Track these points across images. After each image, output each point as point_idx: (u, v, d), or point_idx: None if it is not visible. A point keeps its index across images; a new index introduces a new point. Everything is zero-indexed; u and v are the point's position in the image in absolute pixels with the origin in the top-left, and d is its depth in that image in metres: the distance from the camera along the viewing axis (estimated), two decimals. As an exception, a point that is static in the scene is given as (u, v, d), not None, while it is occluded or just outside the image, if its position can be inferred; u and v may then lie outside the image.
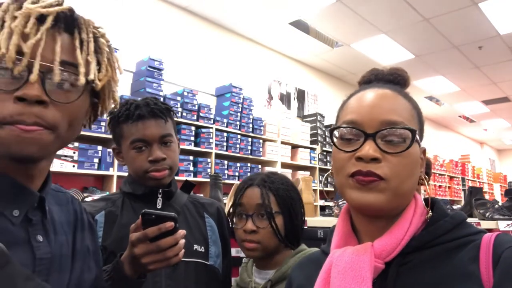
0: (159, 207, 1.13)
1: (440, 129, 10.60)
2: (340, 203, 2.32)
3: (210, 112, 4.32)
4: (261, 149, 4.82)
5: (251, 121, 4.76)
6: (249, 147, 4.66)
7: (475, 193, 2.57)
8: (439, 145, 9.95)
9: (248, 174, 4.55)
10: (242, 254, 1.56)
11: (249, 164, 4.65)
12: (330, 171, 0.72)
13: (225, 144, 4.41)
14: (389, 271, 0.61)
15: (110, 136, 1.21)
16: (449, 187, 8.68)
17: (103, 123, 3.36)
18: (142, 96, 1.22)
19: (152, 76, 3.85)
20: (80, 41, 0.62)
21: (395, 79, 0.73)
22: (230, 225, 1.13)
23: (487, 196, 8.83)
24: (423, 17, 4.89)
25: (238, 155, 4.54)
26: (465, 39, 5.51)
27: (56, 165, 3.10)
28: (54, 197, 0.72)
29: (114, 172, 3.45)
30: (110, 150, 3.38)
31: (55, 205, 0.71)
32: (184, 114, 4.07)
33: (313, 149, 5.56)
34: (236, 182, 3.88)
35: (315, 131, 5.66)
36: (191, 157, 4.09)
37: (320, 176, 5.48)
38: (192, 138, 4.10)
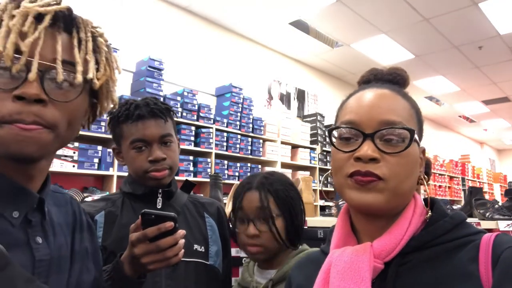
0: (159, 207, 1.13)
1: (440, 129, 10.60)
2: (340, 203, 2.32)
3: (210, 112, 4.32)
4: (261, 149, 4.82)
5: (251, 121, 4.76)
6: (249, 147, 4.66)
7: (475, 193, 2.58)
8: (439, 145, 9.95)
9: (248, 174, 4.57)
10: (242, 254, 1.56)
11: (249, 164, 4.65)
12: (330, 171, 0.72)
13: (225, 144, 4.41)
14: (388, 271, 0.61)
15: (110, 136, 1.21)
16: (449, 187, 8.68)
17: (103, 123, 3.36)
18: (142, 96, 1.21)
19: (152, 76, 3.85)
20: (78, 40, 0.62)
21: (394, 79, 0.73)
22: (231, 227, 1.13)
23: (487, 196, 8.84)
24: (423, 17, 4.89)
25: (238, 155, 4.54)
26: (465, 39, 5.51)
27: (56, 165, 3.11)
28: (52, 198, 0.71)
29: (114, 172, 3.45)
30: (110, 150, 3.38)
31: (54, 206, 0.71)
32: (184, 114, 4.07)
33: (313, 149, 5.56)
34: (236, 182, 3.88)
35: (315, 131, 5.67)
36: (191, 157, 4.09)
37: (320, 176, 5.48)
38: (192, 138, 4.10)
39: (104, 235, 1.07)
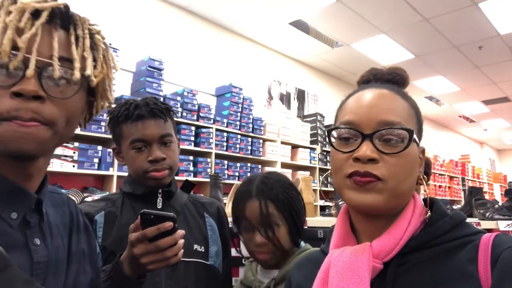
0: (159, 207, 1.13)
1: (440, 129, 10.60)
2: (340, 203, 2.32)
3: (210, 112, 4.32)
4: (261, 149, 4.82)
5: (251, 121, 4.76)
6: (249, 147, 4.66)
7: (475, 193, 2.57)
8: (439, 145, 9.95)
9: (248, 174, 4.57)
10: (242, 254, 1.56)
11: (249, 164, 4.65)
12: (329, 171, 0.72)
13: (225, 144, 4.41)
14: (387, 271, 0.61)
15: (110, 136, 1.21)
16: (449, 187, 8.68)
17: (103, 123, 3.36)
18: (142, 96, 1.21)
19: (152, 76, 3.85)
20: (75, 37, 0.61)
21: (394, 79, 0.73)
22: (233, 230, 1.12)
23: (487, 196, 8.84)
24: (423, 17, 4.89)
25: (238, 155, 4.54)
26: (465, 39, 5.51)
27: (56, 165, 3.11)
28: (50, 198, 0.71)
29: (114, 172, 3.45)
30: (110, 150, 3.38)
31: (51, 207, 0.70)
32: (184, 114, 4.07)
33: (313, 149, 5.56)
34: (236, 182, 3.88)
35: (315, 131, 5.67)
36: (191, 157, 4.09)
37: (320, 176, 5.48)
38: (192, 138, 4.10)
39: (104, 235, 1.07)
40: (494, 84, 7.39)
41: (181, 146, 3.57)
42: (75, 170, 3.22)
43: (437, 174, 8.28)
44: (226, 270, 1.24)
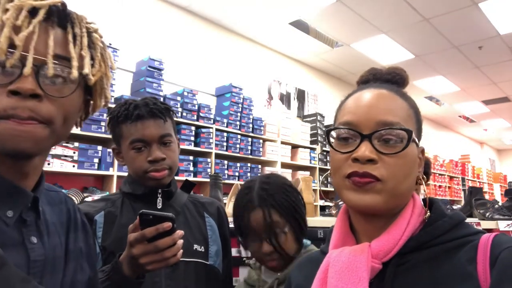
0: (159, 207, 1.13)
1: (440, 129, 10.60)
2: (339, 203, 2.32)
3: (210, 112, 4.32)
4: (261, 149, 4.82)
5: (251, 121, 4.76)
6: (249, 147, 4.66)
7: (475, 193, 2.57)
8: (439, 145, 9.94)
9: (248, 174, 4.57)
10: (242, 254, 1.56)
11: (249, 164, 4.65)
12: (329, 171, 0.72)
13: (225, 144, 4.41)
14: (386, 272, 0.61)
15: (110, 136, 1.21)
16: (449, 187, 8.68)
17: (103, 123, 3.36)
18: (142, 96, 1.21)
19: (152, 76, 3.85)
20: (73, 35, 0.61)
21: (393, 79, 0.73)
22: (238, 237, 1.11)
23: (487, 196, 8.83)
24: (423, 17, 4.89)
25: (238, 155, 4.54)
26: (465, 39, 5.51)
27: (56, 165, 3.11)
28: (46, 196, 0.70)
29: (114, 172, 3.45)
30: (110, 150, 3.38)
31: (48, 205, 0.70)
32: (184, 114, 4.07)
33: (313, 149, 5.56)
34: (236, 182, 3.88)
35: (315, 131, 5.67)
36: (191, 157, 4.09)
37: (320, 176, 5.48)
38: (192, 138, 4.10)
39: (103, 235, 1.07)
40: (494, 84, 7.39)
41: (181, 146, 3.56)
42: (75, 170, 3.22)
43: (437, 174, 8.28)
44: (226, 270, 1.24)
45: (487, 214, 2.29)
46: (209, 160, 4.21)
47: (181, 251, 0.83)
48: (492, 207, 2.33)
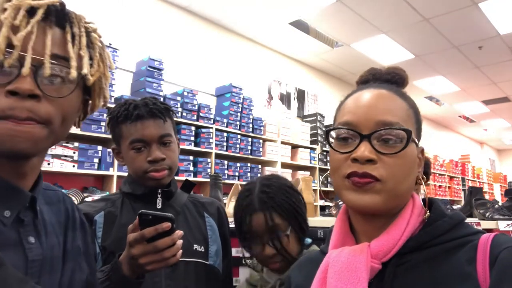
0: (159, 207, 1.13)
1: (440, 129, 10.60)
2: (339, 203, 2.32)
3: (210, 112, 4.32)
4: (261, 149, 4.82)
5: (251, 121, 4.76)
6: (249, 147, 4.66)
7: (475, 193, 2.57)
8: (439, 145, 9.94)
9: (248, 174, 4.57)
10: (242, 254, 1.56)
11: (249, 164, 4.65)
12: (329, 171, 0.72)
13: (225, 144, 4.41)
14: (386, 272, 0.61)
15: (110, 136, 1.21)
16: (449, 187, 8.68)
17: (103, 123, 3.36)
18: (142, 96, 1.21)
19: (152, 76, 3.85)
20: (72, 35, 0.61)
21: (393, 78, 0.73)
22: (239, 239, 1.11)
23: (487, 196, 8.83)
24: (423, 17, 4.89)
25: (238, 155, 4.54)
26: (465, 39, 5.51)
27: (56, 165, 3.11)
28: (44, 196, 0.70)
29: (114, 172, 3.45)
30: (110, 150, 3.38)
31: (45, 204, 0.69)
32: (184, 114, 4.07)
33: (313, 149, 5.56)
34: (236, 182, 3.88)
35: (315, 131, 5.67)
36: (191, 157, 4.09)
37: (320, 176, 5.48)
38: (192, 138, 4.10)
39: (103, 235, 1.07)
40: (494, 84, 7.39)
41: (181, 146, 3.56)
42: (75, 170, 3.22)
43: (437, 174, 8.28)
44: (226, 270, 1.24)
45: (487, 214, 2.29)
46: (209, 160, 4.21)
47: (181, 251, 0.83)
48: (492, 207, 2.33)
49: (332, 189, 5.02)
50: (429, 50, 5.86)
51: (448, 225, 0.64)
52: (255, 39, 5.65)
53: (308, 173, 5.35)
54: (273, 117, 5.30)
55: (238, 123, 4.60)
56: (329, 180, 4.68)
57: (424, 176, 0.70)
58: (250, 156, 4.67)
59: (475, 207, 2.42)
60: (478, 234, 0.62)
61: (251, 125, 4.75)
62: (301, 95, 6.37)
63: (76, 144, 3.24)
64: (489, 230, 1.63)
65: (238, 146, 4.53)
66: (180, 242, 0.82)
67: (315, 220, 1.81)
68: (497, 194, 10.49)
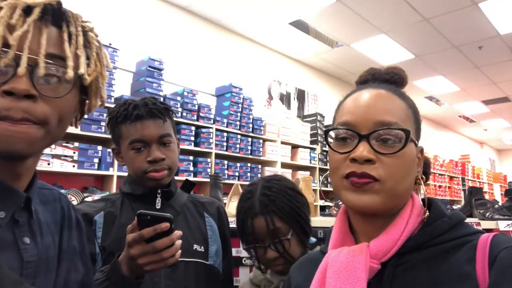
0: (158, 207, 1.13)
1: (440, 129, 10.60)
2: (340, 203, 2.32)
3: (210, 112, 4.32)
4: (261, 149, 4.82)
5: (251, 121, 4.76)
6: (249, 147, 4.66)
7: (475, 193, 2.57)
8: (439, 145, 9.94)
9: (248, 174, 4.57)
10: (242, 254, 1.56)
11: (249, 164, 4.65)
12: (329, 171, 0.72)
13: (225, 144, 4.41)
14: (385, 272, 0.61)
15: (110, 136, 1.21)
16: (449, 187, 8.68)
17: (103, 123, 3.36)
18: (142, 96, 1.21)
19: (152, 76, 3.85)
20: (68, 34, 0.60)
21: (392, 78, 0.73)
22: (244, 243, 1.10)
23: (487, 196, 8.83)
24: (423, 17, 4.89)
25: (238, 155, 4.54)
26: (465, 39, 5.51)
27: (56, 165, 3.11)
28: (39, 195, 0.69)
29: (114, 172, 3.45)
30: (110, 150, 3.38)
31: (41, 204, 0.69)
32: (184, 114, 4.07)
33: (313, 149, 5.56)
34: (236, 182, 3.88)
35: (315, 131, 5.67)
36: (191, 157, 4.09)
37: (320, 176, 5.48)
38: (192, 138, 4.10)
39: (103, 235, 1.07)
40: (494, 84, 7.39)
41: (181, 146, 3.56)
42: (75, 170, 3.22)
43: (437, 174, 8.28)
44: (226, 270, 1.24)
45: (487, 214, 2.29)
46: (209, 160, 4.21)
47: (180, 251, 0.83)
48: (492, 207, 2.33)
49: (332, 189, 5.02)
50: (429, 50, 5.86)
51: (447, 225, 0.64)
52: (255, 39, 5.65)
53: (308, 173, 5.35)
54: (273, 117, 5.30)
55: (238, 123, 4.60)
56: (329, 180, 4.68)
57: (423, 176, 0.69)
58: (250, 156, 4.67)
59: (475, 207, 2.42)
60: (477, 234, 0.62)
61: (251, 125, 4.75)
62: (301, 95, 6.37)
63: (76, 144, 3.24)
64: (489, 230, 1.63)
65: (238, 146, 4.53)
66: (179, 242, 0.82)
67: (315, 220, 1.81)
68: (497, 194, 10.49)
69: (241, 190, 2.13)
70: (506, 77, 7.02)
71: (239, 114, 4.62)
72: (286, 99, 6.09)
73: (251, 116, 4.77)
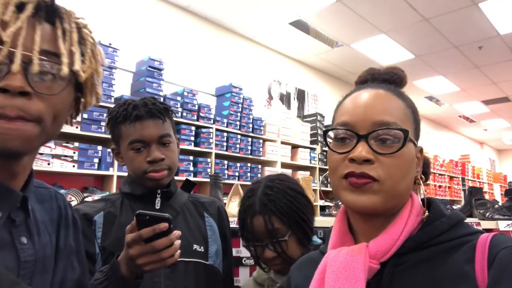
0: (158, 208, 1.13)
1: (440, 129, 10.60)
2: (339, 203, 2.32)
3: (210, 112, 4.32)
4: (261, 149, 4.82)
5: (251, 121, 4.76)
6: (249, 147, 4.66)
7: (475, 193, 2.57)
8: (439, 145, 9.94)
9: (248, 174, 4.57)
10: (242, 254, 1.56)
11: (249, 164, 4.65)
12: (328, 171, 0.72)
13: (225, 144, 4.41)
14: (384, 272, 0.61)
15: (110, 136, 1.21)
16: (449, 187, 8.68)
17: (103, 123, 3.36)
18: (142, 96, 1.21)
19: (152, 76, 3.85)
20: (62, 31, 0.59)
21: (391, 78, 0.73)
22: (243, 240, 1.10)
23: (487, 196, 8.83)
24: (423, 17, 4.89)
25: (238, 155, 4.54)
26: (465, 39, 5.51)
27: (56, 165, 3.11)
28: (36, 194, 0.69)
29: (114, 172, 3.45)
30: (110, 150, 3.38)
31: (37, 203, 0.68)
32: (184, 114, 4.07)
33: (313, 149, 5.56)
34: (236, 182, 3.88)
35: (315, 131, 5.67)
36: (191, 157, 4.09)
37: (320, 176, 5.48)
38: (192, 138, 4.10)
39: (103, 235, 1.07)
40: (494, 84, 7.39)
41: (181, 146, 3.56)
42: (75, 170, 3.22)
43: (437, 174, 8.28)
44: (226, 270, 1.24)
45: (487, 214, 2.29)
46: (209, 160, 4.21)
47: (179, 251, 0.83)
48: (492, 207, 2.33)
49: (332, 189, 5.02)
50: (429, 50, 5.86)
51: (447, 225, 0.64)
52: (255, 39, 5.65)
53: (308, 173, 5.35)
54: (273, 117, 5.30)
55: (238, 123, 4.60)
56: (329, 180, 4.68)
57: (423, 176, 0.69)
58: (250, 156, 4.67)
59: (475, 207, 2.42)
60: (476, 234, 0.62)
61: (251, 125, 4.75)
62: (301, 95, 6.37)
63: (76, 144, 3.24)
64: (489, 230, 1.63)
65: (238, 146, 4.53)
66: (178, 242, 0.82)
67: (315, 220, 1.81)
68: (497, 194, 10.49)
69: (241, 190, 2.13)
70: (506, 77, 7.02)
71: (239, 114, 4.62)
72: (286, 99, 6.09)
73: (251, 116, 4.77)
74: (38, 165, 2.98)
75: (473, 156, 11.19)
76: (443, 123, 10.52)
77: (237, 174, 4.48)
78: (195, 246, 1.14)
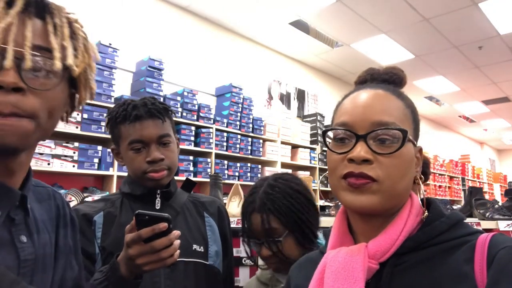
0: (157, 208, 1.13)
1: (440, 129, 10.60)
2: (339, 203, 2.32)
3: (210, 112, 4.32)
4: (261, 149, 4.82)
5: (251, 121, 4.76)
6: (249, 147, 4.66)
7: (475, 193, 2.57)
8: (439, 145, 9.94)
9: (248, 174, 4.58)
10: (242, 254, 1.56)
11: (249, 164, 4.65)
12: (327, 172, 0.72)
13: (225, 144, 4.41)
14: (383, 272, 0.61)
15: (110, 136, 1.21)
16: (449, 187, 8.68)
17: (103, 123, 3.36)
18: (142, 96, 1.21)
19: (152, 76, 3.85)
20: (53, 25, 0.58)
21: (391, 78, 0.73)
22: (243, 236, 1.10)
23: (487, 196, 8.83)
24: (423, 17, 4.89)
25: (238, 155, 4.54)
26: (465, 39, 5.51)
27: (56, 165, 3.11)
28: (34, 193, 0.69)
29: (114, 172, 3.45)
30: (110, 150, 3.38)
31: (36, 202, 0.68)
32: (184, 114, 4.07)
33: (313, 149, 5.56)
34: (236, 182, 3.88)
35: (315, 131, 5.67)
36: (191, 157, 4.09)
37: (320, 176, 5.48)
38: (192, 138, 4.10)
39: (103, 235, 1.07)
40: (494, 84, 7.38)
41: (181, 146, 3.56)
42: (75, 170, 3.22)
43: (437, 174, 8.28)
44: (227, 270, 1.24)
45: (487, 214, 2.29)
46: (209, 160, 4.21)
47: (178, 251, 0.83)
48: (492, 207, 2.33)
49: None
50: (429, 50, 5.85)
51: (446, 225, 0.64)
52: (255, 39, 5.65)
53: (308, 173, 5.35)
54: (273, 117, 5.30)
55: (238, 123, 4.60)
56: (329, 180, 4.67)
57: (422, 176, 0.69)
58: (250, 156, 4.67)
59: (475, 207, 2.42)
60: (476, 234, 0.62)
61: (251, 125, 4.75)
62: (301, 95, 6.37)
63: (76, 144, 3.24)
64: (489, 230, 1.63)
65: (238, 146, 4.53)
66: (177, 242, 0.82)
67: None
68: (497, 194, 10.49)
69: (241, 190, 2.13)
70: (506, 77, 7.02)
71: (239, 114, 4.62)
72: (286, 99, 6.09)
73: (251, 116, 4.77)
74: (38, 165, 2.98)
75: (473, 156, 11.19)
76: (443, 123, 10.52)
77: (237, 174, 4.48)
78: (194, 246, 1.13)
